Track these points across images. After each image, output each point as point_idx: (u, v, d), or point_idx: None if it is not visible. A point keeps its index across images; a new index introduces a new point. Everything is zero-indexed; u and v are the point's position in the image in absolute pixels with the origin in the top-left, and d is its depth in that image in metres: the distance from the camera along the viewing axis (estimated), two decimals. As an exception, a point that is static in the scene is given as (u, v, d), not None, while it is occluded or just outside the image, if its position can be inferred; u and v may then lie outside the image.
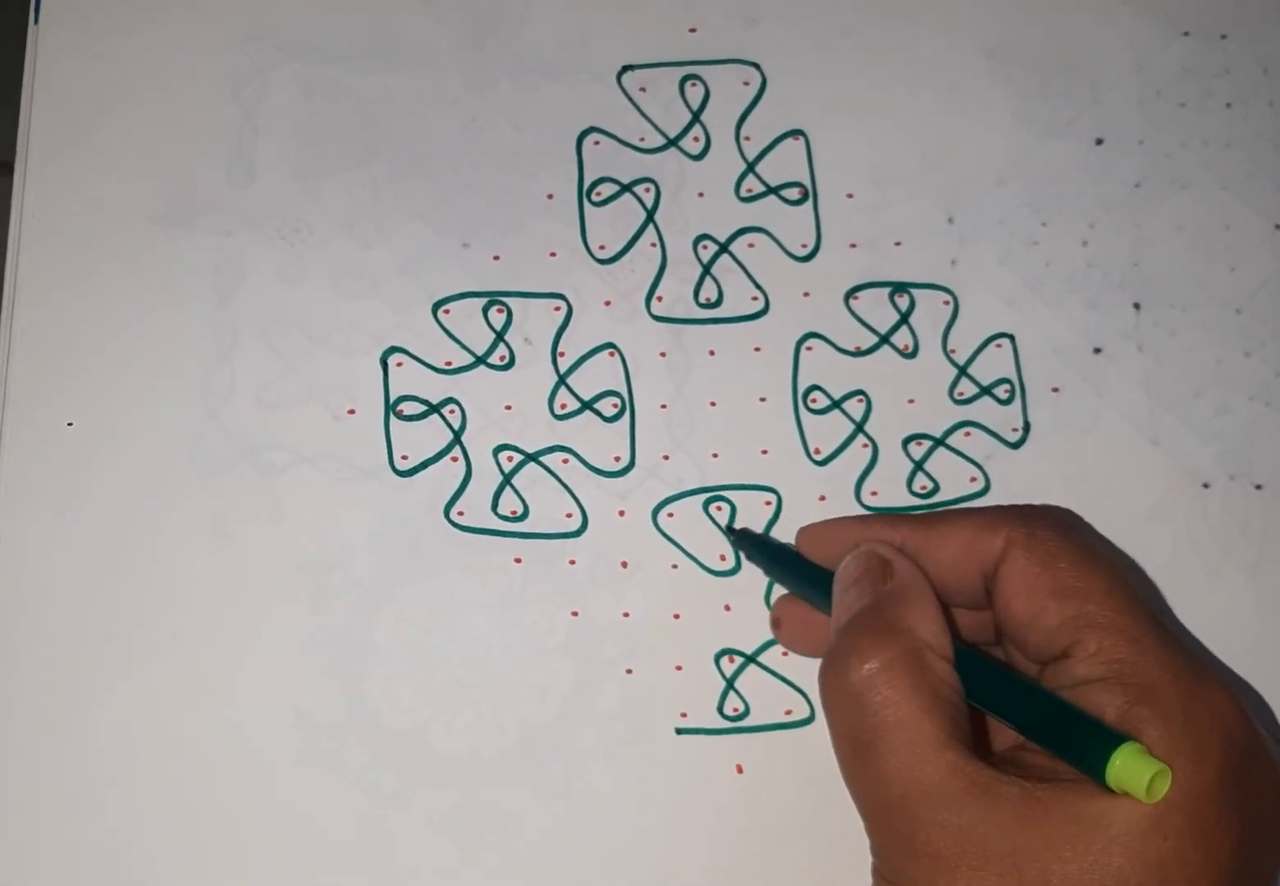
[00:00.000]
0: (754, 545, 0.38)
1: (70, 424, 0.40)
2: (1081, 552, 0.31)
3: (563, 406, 0.40)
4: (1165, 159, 0.42)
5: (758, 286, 0.41)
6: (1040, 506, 0.35)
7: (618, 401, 0.40)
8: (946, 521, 0.33)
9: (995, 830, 0.28)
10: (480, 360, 0.40)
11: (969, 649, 0.32)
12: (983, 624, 0.34)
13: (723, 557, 0.39)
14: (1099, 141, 0.42)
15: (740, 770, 0.38)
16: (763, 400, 0.40)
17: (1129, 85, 0.42)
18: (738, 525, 0.39)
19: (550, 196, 0.41)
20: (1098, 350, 0.40)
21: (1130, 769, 0.27)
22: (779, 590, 0.38)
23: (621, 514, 0.39)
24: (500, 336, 0.40)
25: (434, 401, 0.40)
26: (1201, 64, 0.43)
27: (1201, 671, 0.29)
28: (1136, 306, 0.41)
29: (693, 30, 0.42)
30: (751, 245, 0.41)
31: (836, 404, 0.40)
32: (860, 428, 0.40)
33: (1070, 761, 0.29)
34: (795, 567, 0.36)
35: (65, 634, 0.38)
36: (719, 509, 0.39)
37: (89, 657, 0.38)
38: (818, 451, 0.40)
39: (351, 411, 0.40)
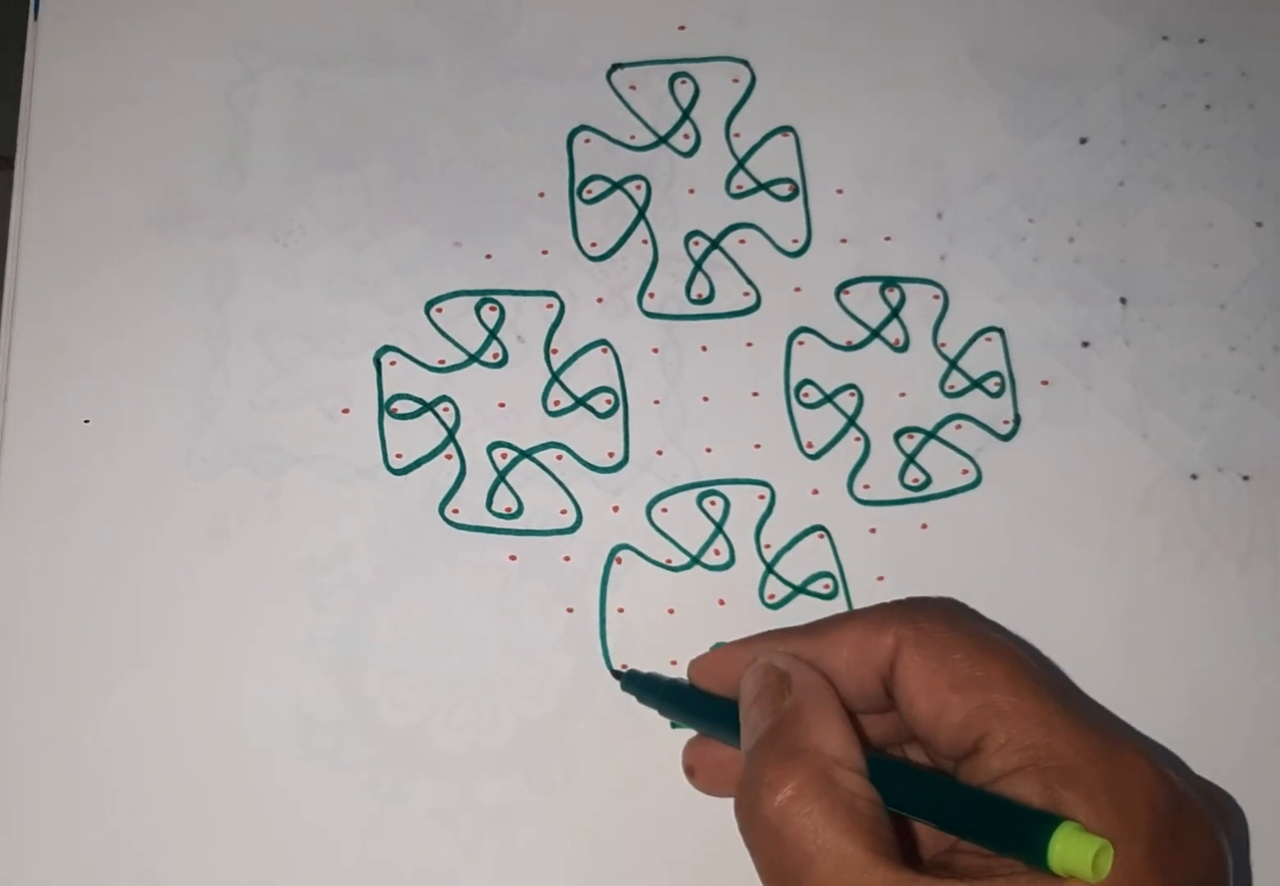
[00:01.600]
0: (644, 687, 0.37)
1: (87, 421, 0.40)
2: (974, 640, 0.31)
3: (556, 403, 0.40)
4: (1148, 159, 0.42)
5: (749, 282, 0.41)
6: (923, 599, 0.35)
7: (611, 397, 0.40)
8: (833, 629, 0.33)
9: None
10: (473, 358, 0.41)
11: (880, 755, 0.31)
12: (893, 726, 0.33)
13: (717, 552, 0.39)
14: (1083, 141, 0.42)
15: (737, 763, 0.38)
16: (755, 395, 0.40)
17: (1111, 87, 0.43)
18: (619, 666, 0.38)
19: (541, 195, 0.42)
20: (1086, 344, 0.41)
21: (1073, 848, 0.26)
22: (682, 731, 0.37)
23: (616, 509, 0.39)
24: (493, 334, 0.41)
25: (428, 400, 0.40)
26: (1181, 67, 0.43)
27: (1114, 741, 0.29)
28: (1123, 301, 0.41)
29: (682, 28, 0.43)
30: (742, 241, 0.41)
31: (828, 398, 0.40)
32: (852, 421, 0.40)
33: (1008, 852, 0.28)
34: (695, 704, 0.36)
35: (65, 636, 0.38)
36: (713, 503, 0.39)
37: (89, 659, 0.38)
38: (810, 445, 0.40)
39: (346, 411, 0.40)
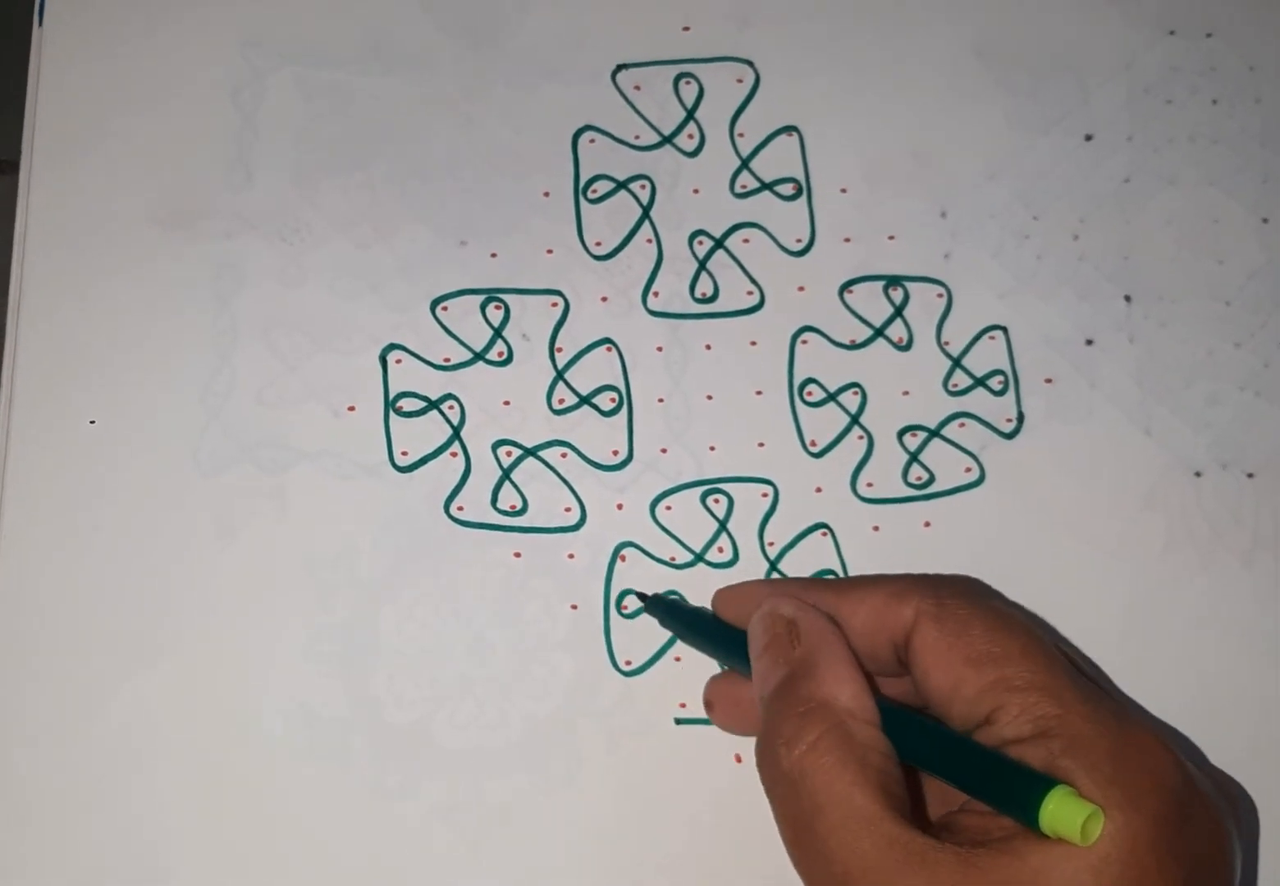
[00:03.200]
0: (668, 612, 0.38)
1: (93, 421, 0.40)
2: (993, 617, 0.31)
3: (561, 401, 0.40)
4: (1154, 155, 0.42)
5: (753, 281, 0.41)
6: (948, 576, 0.36)
7: (615, 396, 0.40)
8: (857, 589, 0.33)
9: None
10: (479, 356, 0.41)
11: (893, 705, 0.31)
12: (901, 691, 0.34)
13: (720, 550, 0.39)
14: (1088, 138, 0.42)
15: (739, 760, 0.38)
16: (759, 393, 0.40)
17: (1117, 83, 0.43)
18: (646, 592, 0.39)
19: (546, 194, 0.42)
20: (1090, 342, 0.41)
21: (1063, 811, 0.27)
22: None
23: (620, 507, 0.40)
24: (498, 333, 0.41)
25: (433, 398, 0.40)
26: (1188, 62, 0.43)
27: (1128, 721, 0.29)
28: (1127, 299, 0.41)
29: (686, 29, 0.43)
30: (746, 240, 0.41)
31: (832, 396, 0.40)
32: (856, 420, 0.40)
33: (1003, 809, 0.28)
34: (715, 633, 0.36)
35: (72, 632, 0.39)
36: (717, 501, 0.40)
37: (96, 657, 0.38)
38: (814, 443, 0.40)
39: (352, 409, 0.40)
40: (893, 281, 0.41)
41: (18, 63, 0.43)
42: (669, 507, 0.40)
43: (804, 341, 0.41)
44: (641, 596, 0.38)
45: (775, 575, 0.39)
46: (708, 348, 0.41)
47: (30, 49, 0.43)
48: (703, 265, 0.41)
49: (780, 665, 0.32)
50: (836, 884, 0.29)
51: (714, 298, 0.41)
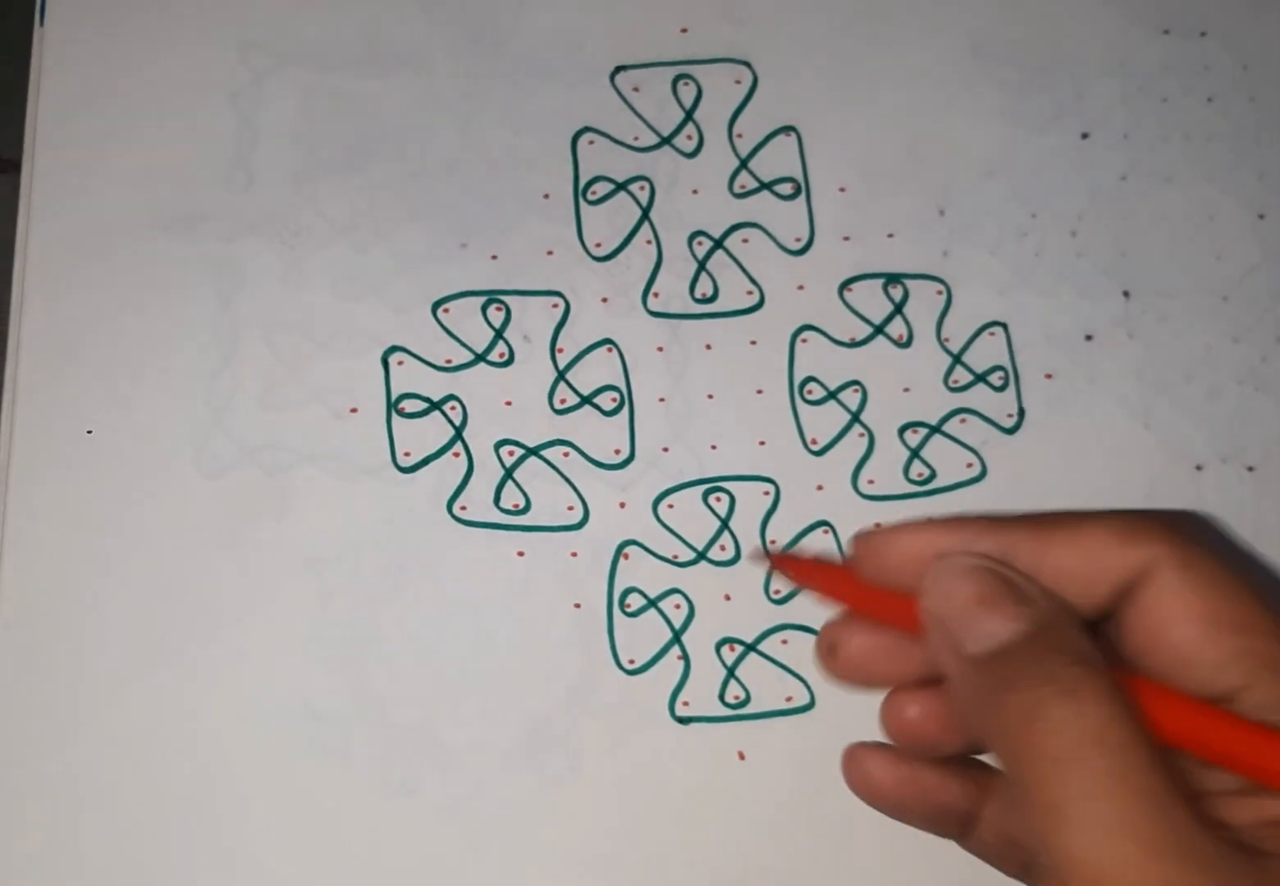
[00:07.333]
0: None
1: (90, 431, 0.40)
2: (1237, 578, 0.27)
3: (562, 401, 0.41)
4: (1150, 152, 0.43)
5: (753, 281, 0.41)
6: (1175, 512, 0.32)
7: (616, 395, 0.41)
8: (1065, 528, 0.28)
9: None
10: (480, 358, 0.41)
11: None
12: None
13: (722, 548, 0.39)
14: (1085, 135, 0.43)
15: (742, 756, 0.38)
16: (760, 392, 0.41)
17: (1112, 81, 0.43)
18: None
19: (546, 196, 0.42)
20: (1089, 337, 0.41)
21: None
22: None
23: (622, 506, 0.40)
24: (499, 334, 0.41)
25: (435, 399, 0.41)
26: (1182, 61, 0.43)
27: None
28: (1126, 294, 0.41)
29: (684, 30, 0.43)
30: (746, 240, 0.42)
31: (832, 394, 0.41)
32: (856, 417, 0.40)
33: None
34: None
35: (76, 634, 0.39)
36: (718, 500, 0.40)
37: (99, 656, 0.38)
38: (815, 441, 0.40)
39: (354, 410, 0.40)
40: (892, 279, 0.41)
41: (18, 63, 0.43)
42: (671, 506, 0.40)
43: (804, 340, 0.41)
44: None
45: (777, 573, 0.39)
46: (708, 347, 0.41)
47: (31, 49, 0.43)
48: (702, 265, 0.41)
49: (1012, 618, 0.27)
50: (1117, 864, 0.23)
51: (714, 297, 0.41)
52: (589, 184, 0.42)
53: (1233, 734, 0.26)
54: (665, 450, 0.40)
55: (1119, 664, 0.28)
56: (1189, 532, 0.28)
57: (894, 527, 0.30)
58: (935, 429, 0.40)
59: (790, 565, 0.32)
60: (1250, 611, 0.27)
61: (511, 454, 0.40)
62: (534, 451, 0.40)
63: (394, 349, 0.41)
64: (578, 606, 0.39)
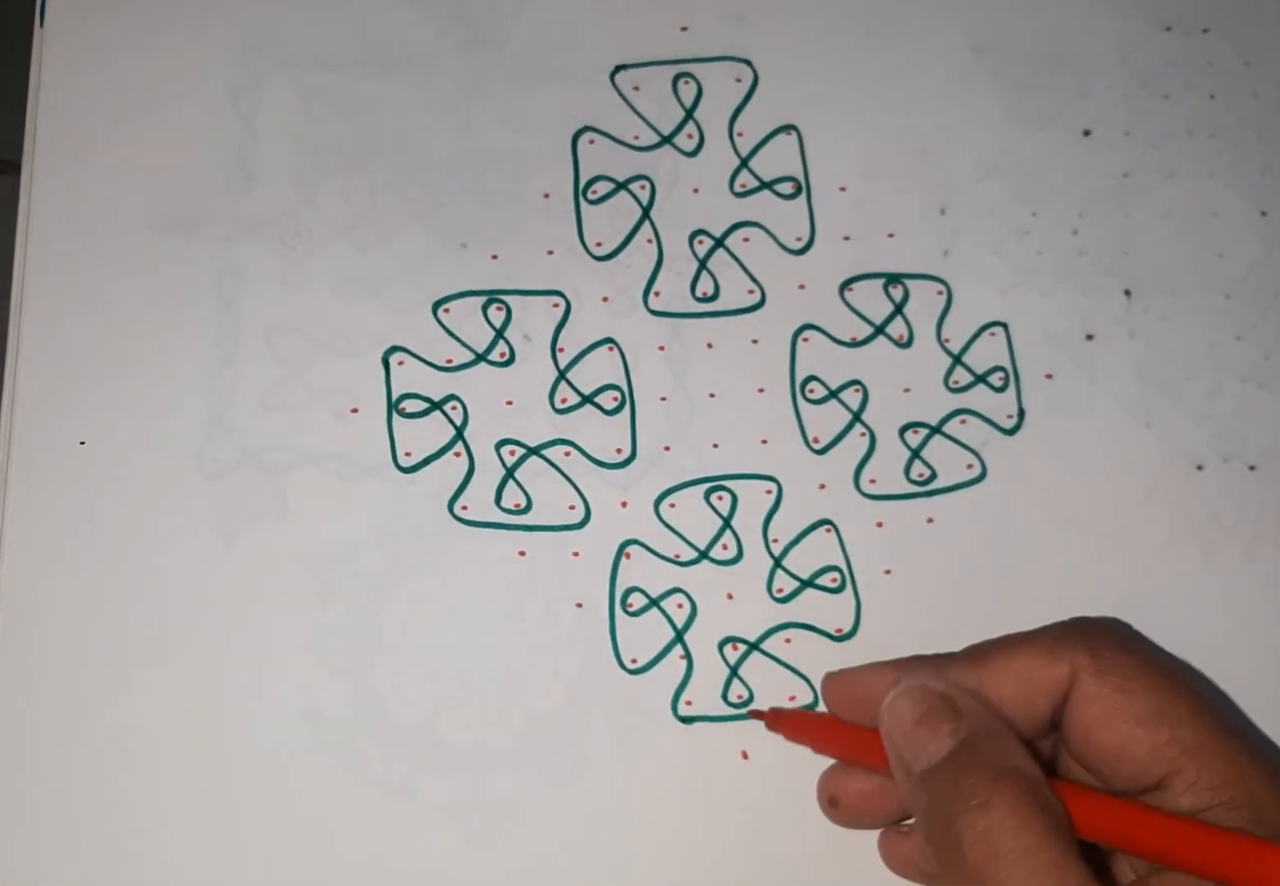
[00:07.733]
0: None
1: (83, 442, 0.40)
2: (1154, 671, 0.30)
3: (563, 401, 0.41)
4: (1152, 149, 0.42)
5: (753, 280, 0.41)
6: (1092, 621, 0.34)
7: (618, 395, 0.41)
8: (996, 656, 0.31)
9: None
10: (481, 357, 0.41)
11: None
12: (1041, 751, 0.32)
13: (724, 547, 0.39)
14: (1086, 133, 0.42)
15: (745, 756, 0.38)
16: (761, 391, 0.41)
17: (1114, 78, 0.43)
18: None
19: (546, 196, 0.42)
20: (1090, 337, 0.41)
21: None
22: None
23: (624, 505, 0.40)
24: (500, 334, 0.41)
25: (436, 399, 0.41)
26: (1184, 57, 0.43)
27: None
28: (1127, 293, 0.41)
29: (684, 29, 0.43)
30: (746, 239, 0.42)
31: (834, 394, 0.40)
32: (858, 417, 0.40)
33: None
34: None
35: (77, 634, 0.39)
36: (720, 498, 0.40)
37: (101, 657, 0.38)
38: (816, 440, 0.40)
39: (355, 411, 0.40)
40: (893, 279, 0.41)
41: (18, 63, 0.43)
42: (673, 505, 0.40)
43: (805, 339, 0.41)
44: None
45: (779, 572, 0.39)
46: (709, 346, 0.41)
47: (31, 49, 0.43)
48: (703, 264, 0.41)
49: (945, 735, 0.30)
50: None
51: (715, 296, 0.41)
52: (589, 183, 0.42)
53: (1141, 822, 0.28)
54: (667, 449, 0.40)
55: (1068, 768, 0.31)
56: (1111, 638, 0.31)
57: (858, 669, 0.34)
58: (936, 429, 0.40)
59: (783, 722, 0.36)
60: (1168, 703, 0.29)
61: (512, 453, 0.40)
62: (535, 451, 0.40)
63: (394, 349, 0.41)
64: (579, 606, 0.39)
